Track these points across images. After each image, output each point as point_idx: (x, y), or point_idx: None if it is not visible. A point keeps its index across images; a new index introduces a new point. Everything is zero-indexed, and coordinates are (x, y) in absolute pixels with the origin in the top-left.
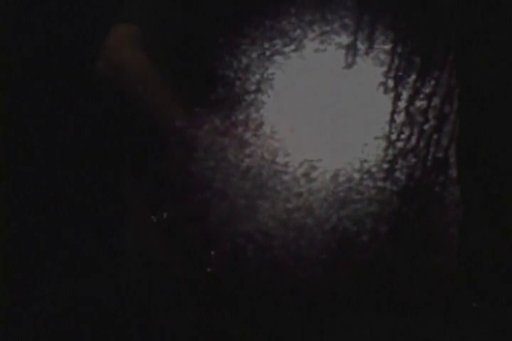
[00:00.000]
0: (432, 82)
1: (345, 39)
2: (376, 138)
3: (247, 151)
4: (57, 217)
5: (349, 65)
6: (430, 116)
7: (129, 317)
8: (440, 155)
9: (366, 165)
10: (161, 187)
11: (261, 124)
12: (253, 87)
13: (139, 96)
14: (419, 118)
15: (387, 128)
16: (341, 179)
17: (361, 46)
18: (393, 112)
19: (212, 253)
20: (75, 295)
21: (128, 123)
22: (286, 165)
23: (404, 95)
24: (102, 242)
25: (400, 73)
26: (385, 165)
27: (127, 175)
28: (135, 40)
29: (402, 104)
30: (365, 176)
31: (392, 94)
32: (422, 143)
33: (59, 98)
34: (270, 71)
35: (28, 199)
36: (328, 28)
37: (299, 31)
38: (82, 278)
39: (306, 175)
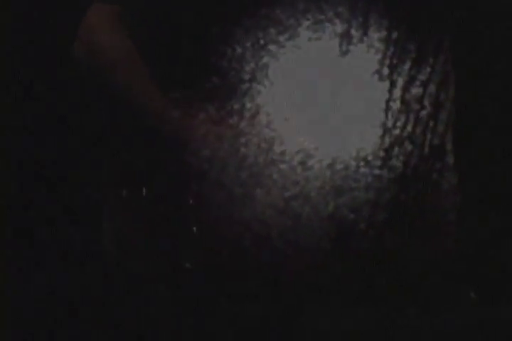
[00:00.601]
0: (428, 69)
1: (339, 27)
2: (372, 125)
3: (243, 140)
4: (31, 206)
5: (344, 53)
6: (426, 103)
7: (110, 307)
8: (437, 142)
9: (362, 153)
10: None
11: (256, 113)
12: (247, 76)
13: (118, 82)
14: (415, 106)
15: (382, 115)
16: (338, 167)
17: (355, 34)
18: (389, 100)
19: (195, 229)
20: (53, 285)
21: (108, 108)
22: (282, 153)
23: (400, 82)
24: (79, 232)
25: (395, 60)
26: (382, 153)
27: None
28: (116, 22)
29: (397, 92)
30: (361, 164)
31: (387, 82)
32: (418, 131)
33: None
34: (264, 60)
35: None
36: (322, 17)
37: (292, 20)
38: (58, 269)
39: (302, 163)
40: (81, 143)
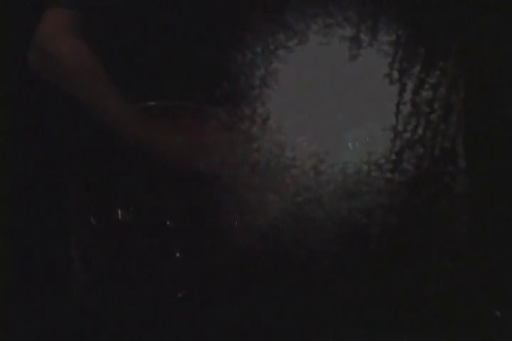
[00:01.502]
0: (437, 72)
1: (348, 31)
2: (383, 129)
3: (255, 146)
4: None
5: (353, 57)
6: (436, 106)
7: None
8: (448, 144)
9: (374, 157)
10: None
11: (267, 118)
12: (258, 82)
13: (77, 95)
14: (426, 109)
15: (393, 119)
16: (349, 171)
17: (365, 38)
18: (399, 103)
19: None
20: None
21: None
22: (294, 159)
23: (410, 86)
24: (46, 260)
25: (405, 64)
26: (393, 157)
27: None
28: (73, 28)
29: (407, 95)
30: (373, 168)
31: (397, 85)
32: (429, 134)
33: None
34: (274, 65)
35: None
36: (331, 21)
37: (302, 24)
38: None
39: (314, 168)
40: (44, 164)
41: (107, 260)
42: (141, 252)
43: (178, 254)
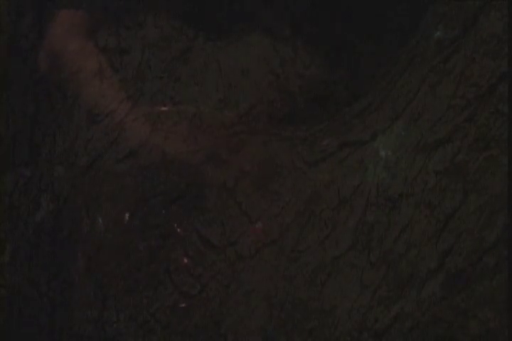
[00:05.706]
0: None
1: None
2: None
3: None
4: None
5: None
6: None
7: None
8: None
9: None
10: None
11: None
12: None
13: (86, 100)
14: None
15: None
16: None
17: None
18: None
19: None
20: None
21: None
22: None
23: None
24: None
25: None
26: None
27: None
28: (85, 31)
29: None
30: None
31: None
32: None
33: None
34: None
35: None
36: None
37: None
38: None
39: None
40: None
41: (112, 263)
42: (146, 257)
43: (185, 260)
